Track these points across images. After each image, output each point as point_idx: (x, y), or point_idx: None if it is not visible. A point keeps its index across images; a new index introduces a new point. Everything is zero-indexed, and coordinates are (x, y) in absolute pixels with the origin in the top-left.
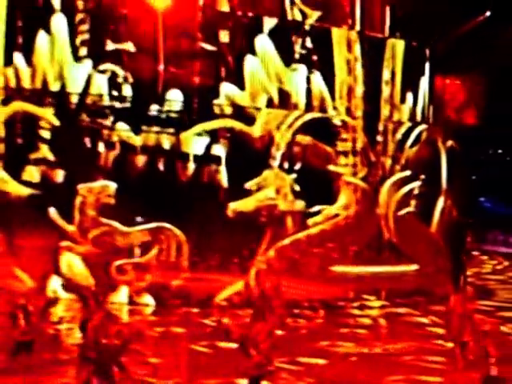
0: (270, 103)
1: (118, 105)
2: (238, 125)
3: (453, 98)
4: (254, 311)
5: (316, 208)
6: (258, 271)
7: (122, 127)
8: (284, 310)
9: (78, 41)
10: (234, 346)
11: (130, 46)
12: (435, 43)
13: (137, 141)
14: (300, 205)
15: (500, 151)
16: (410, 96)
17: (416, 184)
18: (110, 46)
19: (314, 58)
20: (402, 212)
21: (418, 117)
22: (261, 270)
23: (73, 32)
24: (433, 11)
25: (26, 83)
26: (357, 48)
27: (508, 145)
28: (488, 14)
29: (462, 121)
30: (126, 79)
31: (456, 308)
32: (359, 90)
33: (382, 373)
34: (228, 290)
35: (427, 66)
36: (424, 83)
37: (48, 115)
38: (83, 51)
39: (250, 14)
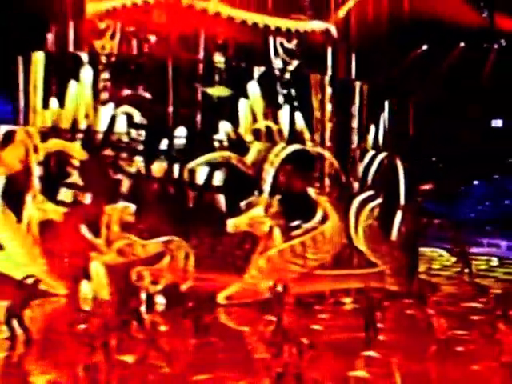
0: (259, 137)
1: (134, 141)
2: (233, 155)
3: None
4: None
5: (297, 222)
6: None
7: (138, 159)
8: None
9: (101, 87)
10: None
11: (144, 92)
12: (384, 78)
13: (150, 170)
14: (283, 220)
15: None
16: (372, 127)
17: (379, 201)
18: (127, 91)
19: (295, 98)
20: (368, 224)
21: (380, 144)
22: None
23: (97, 80)
24: (383, 51)
25: (60, 123)
26: (328, 89)
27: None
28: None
29: None
30: (140, 120)
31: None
32: (331, 124)
33: None
34: (228, 289)
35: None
36: (384, 115)
37: (77, 149)
38: (105, 96)
39: (243, 64)
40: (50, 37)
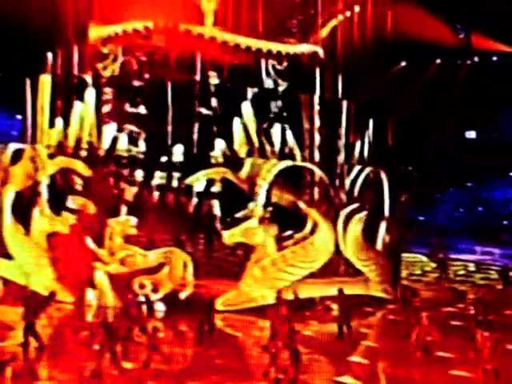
0: (252, 153)
1: (135, 157)
2: (228, 171)
3: None
4: None
5: (288, 233)
6: None
7: (139, 174)
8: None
9: (104, 107)
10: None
11: (143, 110)
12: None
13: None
14: (276, 231)
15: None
16: (358, 143)
17: (364, 212)
18: (129, 110)
19: (286, 117)
20: (355, 234)
21: (365, 159)
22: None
23: (100, 100)
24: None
25: (65, 141)
26: (317, 108)
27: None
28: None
29: None
30: (140, 137)
31: None
32: (320, 141)
33: None
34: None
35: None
36: (369, 132)
37: (81, 166)
38: (108, 115)
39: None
40: (56, 60)
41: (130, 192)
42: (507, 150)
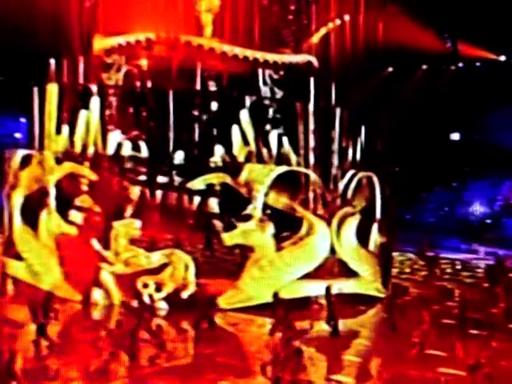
0: (250, 159)
1: (138, 161)
2: (228, 176)
3: None
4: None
5: (285, 234)
6: None
7: (142, 179)
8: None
9: (108, 114)
10: None
11: (146, 117)
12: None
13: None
14: (272, 229)
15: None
16: (351, 149)
17: (357, 215)
18: (132, 118)
19: (282, 124)
20: (348, 236)
21: (358, 164)
22: None
23: (104, 108)
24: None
25: (72, 148)
26: (311, 115)
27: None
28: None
29: None
30: (143, 143)
31: None
32: (314, 146)
33: None
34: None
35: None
36: (361, 138)
37: (87, 171)
38: (112, 122)
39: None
40: (62, 70)
41: (134, 196)
42: (490, 152)
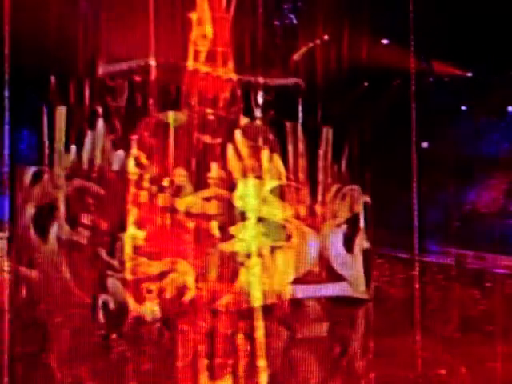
0: (244, 175)
1: (141, 177)
2: (224, 191)
3: None
4: None
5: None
6: None
7: (144, 193)
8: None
9: (112, 135)
10: None
11: (147, 137)
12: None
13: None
14: (267, 238)
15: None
16: (336, 165)
17: (344, 226)
18: (134, 138)
19: (273, 142)
20: (335, 245)
21: (343, 178)
22: None
23: (109, 129)
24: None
25: (80, 165)
26: (300, 134)
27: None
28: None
29: None
30: (145, 160)
31: None
32: (303, 163)
33: None
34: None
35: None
36: (345, 154)
37: (94, 186)
38: (116, 141)
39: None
40: (69, 92)
41: (138, 208)
42: (456, 159)
